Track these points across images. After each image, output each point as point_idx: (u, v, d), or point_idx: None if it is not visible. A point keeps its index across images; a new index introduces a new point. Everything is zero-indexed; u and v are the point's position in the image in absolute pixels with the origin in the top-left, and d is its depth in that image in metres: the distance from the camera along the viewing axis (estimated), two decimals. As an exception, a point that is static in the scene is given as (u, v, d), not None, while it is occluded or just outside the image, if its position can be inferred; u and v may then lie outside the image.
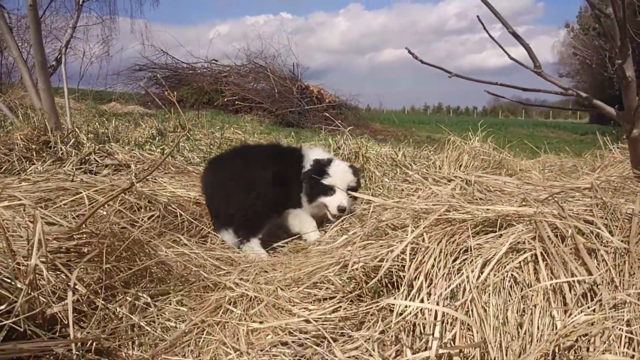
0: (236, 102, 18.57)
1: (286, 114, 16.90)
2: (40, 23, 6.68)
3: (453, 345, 2.21)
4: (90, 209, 2.57)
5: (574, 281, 2.01)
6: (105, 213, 2.96)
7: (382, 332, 2.43)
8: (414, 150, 6.93)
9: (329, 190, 3.77)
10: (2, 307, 1.87)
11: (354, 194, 3.91)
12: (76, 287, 2.22)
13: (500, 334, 2.12)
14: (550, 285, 2.05)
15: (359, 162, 6.21)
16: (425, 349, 2.25)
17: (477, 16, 3.61)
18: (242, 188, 3.73)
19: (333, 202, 3.76)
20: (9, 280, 2.06)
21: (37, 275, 2.05)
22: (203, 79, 20.10)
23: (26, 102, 9.29)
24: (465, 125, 5.90)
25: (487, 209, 2.53)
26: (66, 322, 2.06)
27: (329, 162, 3.89)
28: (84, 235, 2.42)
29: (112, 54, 25.75)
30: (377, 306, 2.54)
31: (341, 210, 3.74)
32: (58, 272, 2.29)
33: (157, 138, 7.62)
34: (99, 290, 2.35)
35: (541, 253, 2.18)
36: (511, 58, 3.73)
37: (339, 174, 3.81)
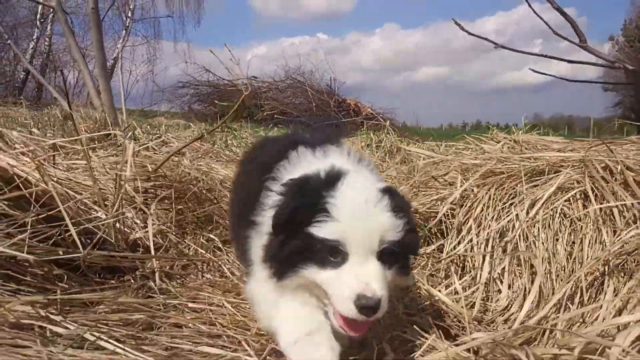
0: (275, 116, 18.99)
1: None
2: (101, 25, 7.15)
3: (502, 277, 2.32)
4: (158, 163, 2.81)
5: (623, 206, 2.10)
6: (177, 159, 3.20)
7: (431, 274, 2.55)
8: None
9: (331, 255, 1.64)
10: (100, 213, 2.10)
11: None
12: (153, 222, 2.43)
13: (550, 263, 2.21)
14: (601, 212, 2.15)
15: (400, 154, 6.32)
16: (476, 283, 2.36)
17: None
18: None
19: (341, 287, 1.62)
20: (96, 209, 2.31)
21: (122, 203, 2.27)
22: (242, 94, 20.58)
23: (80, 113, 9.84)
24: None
25: (536, 158, 2.64)
26: (147, 246, 2.28)
27: (333, 180, 1.70)
28: (160, 179, 2.66)
29: (157, 73, 26.78)
30: (425, 251, 2.67)
31: (365, 308, 1.58)
32: (137, 211, 2.52)
33: (205, 136, 7.97)
34: (172, 228, 2.56)
35: (591, 188, 2.28)
36: (555, 33, 3.84)
37: (357, 214, 1.64)
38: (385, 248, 1.61)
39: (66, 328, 1.47)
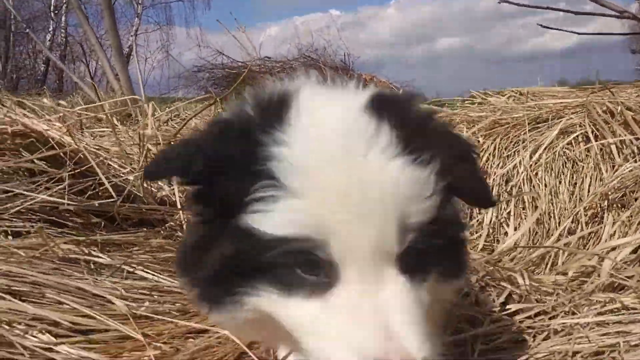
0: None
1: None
2: (113, 9, 7.34)
3: (507, 220, 2.45)
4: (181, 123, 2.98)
5: (622, 144, 2.20)
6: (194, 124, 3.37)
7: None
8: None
9: (302, 269, 0.85)
10: (127, 169, 2.29)
11: None
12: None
13: (553, 204, 2.33)
14: (601, 152, 2.26)
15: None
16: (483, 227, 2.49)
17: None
18: None
19: (332, 345, 0.82)
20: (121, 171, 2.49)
21: (147, 162, 2.44)
22: (257, 75, 20.73)
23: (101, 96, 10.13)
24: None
25: (540, 107, 2.74)
26: (173, 202, 2.45)
27: (277, 107, 0.91)
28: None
29: (171, 59, 26.96)
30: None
31: None
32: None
33: (218, 102, 8.19)
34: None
35: (592, 131, 2.39)
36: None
37: (339, 170, 0.83)
38: (414, 241, 0.84)
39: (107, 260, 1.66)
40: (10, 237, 1.77)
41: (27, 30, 14.09)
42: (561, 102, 2.71)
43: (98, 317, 1.35)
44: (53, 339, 1.33)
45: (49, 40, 21.45)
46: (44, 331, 1.34)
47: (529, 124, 2.70)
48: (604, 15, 3.66)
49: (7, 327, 1.31)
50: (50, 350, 1.29)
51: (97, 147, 2.67)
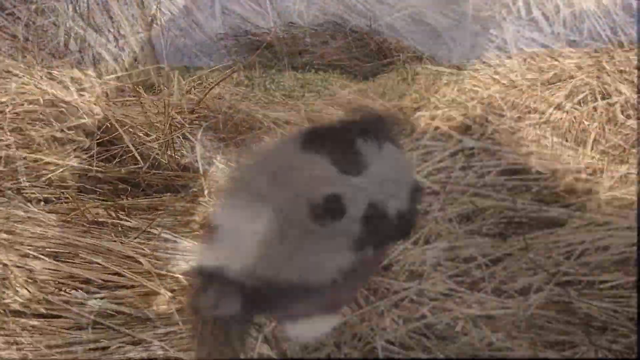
0: (313, 62, 18.93)
1: (364, 67, 17.04)
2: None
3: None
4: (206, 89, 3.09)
5: (626, 102, 2.23)
6: (219, 91, 3.49)
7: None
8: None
9: None
10: (152, 136, 2.42)
11: None
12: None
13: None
14: (606, 111, 2.29)
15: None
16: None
17: None
18: None
19: None
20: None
21: (171, 130, 2.57)
22: (282, 42, 20.61)
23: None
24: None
25: (553, 67, 2.75)
26: (196, 168, 2.58)
27: None
28: (203, 110, 2.95)
29: (193, 27, 26.94)
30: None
31: None
32: (185, 141, 2.82)
33: (241, 67, 8.27)
34: (217, 157, 2.86)
35: (599, 91, 2.40)
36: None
37: None
38: None
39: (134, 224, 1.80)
40: (42, 203, 1.93)
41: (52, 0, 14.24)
42: (575, 62, 2.71)
43: (127, 274, 1.50)
44: (85, 294, 1.49)
45: (72, 11, 21.57)
46: (76, 288, 1.51)
47: (541, 85, 2.71)
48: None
49: (42, 284, 1.47)
50: (82, 304, 1.46)
51: (123, 115, 2.81)
